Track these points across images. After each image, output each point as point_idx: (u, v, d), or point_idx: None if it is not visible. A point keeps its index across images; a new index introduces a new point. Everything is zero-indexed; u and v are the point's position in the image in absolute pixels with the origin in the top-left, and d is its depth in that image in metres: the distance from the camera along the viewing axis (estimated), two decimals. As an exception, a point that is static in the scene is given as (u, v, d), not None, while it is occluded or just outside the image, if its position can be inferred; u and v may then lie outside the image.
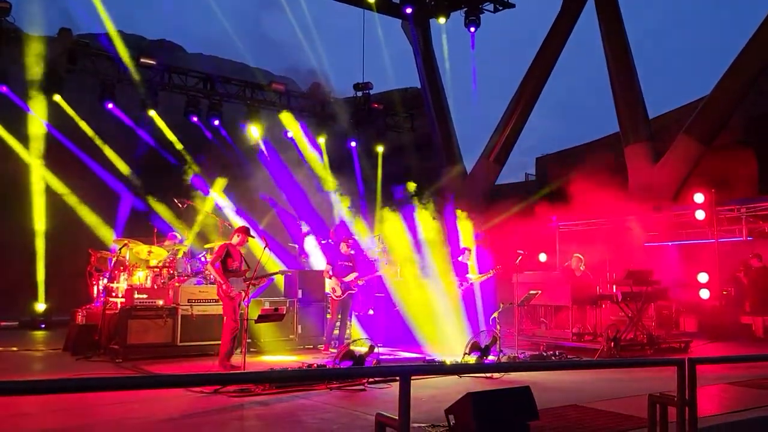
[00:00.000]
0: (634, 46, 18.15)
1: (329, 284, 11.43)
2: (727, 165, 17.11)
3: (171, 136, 17.08)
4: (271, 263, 12.52)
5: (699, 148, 16.59)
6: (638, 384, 7.45)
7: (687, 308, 14.15)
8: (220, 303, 10.58)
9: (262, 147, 17.99)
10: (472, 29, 19.06)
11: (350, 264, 11.48)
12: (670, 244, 15.45)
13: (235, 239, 9.30)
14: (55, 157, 15.24)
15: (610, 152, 20.48)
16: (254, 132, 17.80)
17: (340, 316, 11.42)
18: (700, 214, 13.93)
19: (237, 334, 8.85)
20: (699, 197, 13.97)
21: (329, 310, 11.80)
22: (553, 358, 10.43)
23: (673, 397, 4.92)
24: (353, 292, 11.41)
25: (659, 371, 7.64)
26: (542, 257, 16.43)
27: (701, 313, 14.10)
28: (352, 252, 11.72)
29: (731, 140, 18.38)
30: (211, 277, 11.38)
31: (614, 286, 11.80)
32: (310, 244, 14.57)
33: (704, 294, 13.60)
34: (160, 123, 16.74)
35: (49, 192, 15.21)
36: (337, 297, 11.26)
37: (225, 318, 8.99)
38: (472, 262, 12.64)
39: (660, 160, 17.10)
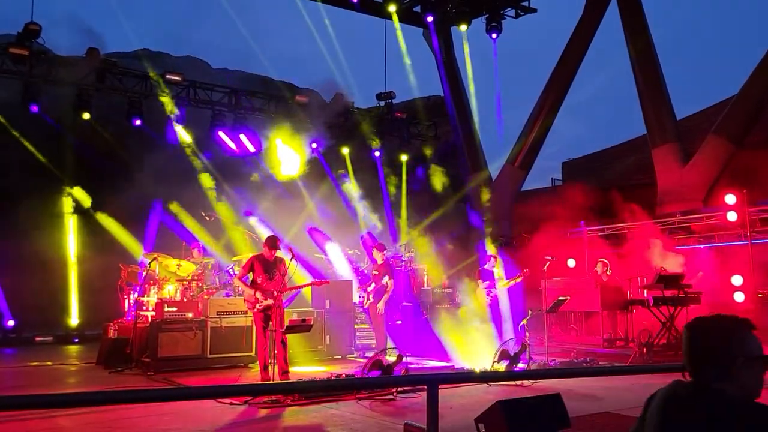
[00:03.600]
0: (659, 47, 17.92)
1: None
2: (757, 164, 16.73)
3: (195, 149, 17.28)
4: (297, 275, 12.53)
5: (729, 147, 16.30)
6: (672, 390, 7.28)
7: (721, 312, 13.86)
8: (249, 315, 10.67)
9: (286, 159, 18.06)
10: (494, 35, 18.97)
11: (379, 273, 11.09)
12: (701, 247, 15.16)
13: (264, 251, 9.06)
14: (84, 174, 15.55)
15: (638, 155, 20.21)
16: (278, 143, 17.89)
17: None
18: (732, 216, 13.66)
19: (267, 346, 8.52)
20: (730, 198, 13.70)
21: (367, 320, 11.73)
22: (584, 365, 10.23)
23: (708, 403, 4.80)
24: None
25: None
26: (571, 263, 16.24)
27: (736, 317, 13.79)
28: (384, 260, 11.32)
29: (761, 138, 18.00)
30: (239, 289, 11.49)
31: (645, 291, 11.61)
32: (336, 253, 14.60)
33: (739, 297, 13.31)
34: (186, 137, 16.92)
35: (80, 209, 15.51)
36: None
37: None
38: (498, 268, 12.54)
39: (689, 162, 16.82)
